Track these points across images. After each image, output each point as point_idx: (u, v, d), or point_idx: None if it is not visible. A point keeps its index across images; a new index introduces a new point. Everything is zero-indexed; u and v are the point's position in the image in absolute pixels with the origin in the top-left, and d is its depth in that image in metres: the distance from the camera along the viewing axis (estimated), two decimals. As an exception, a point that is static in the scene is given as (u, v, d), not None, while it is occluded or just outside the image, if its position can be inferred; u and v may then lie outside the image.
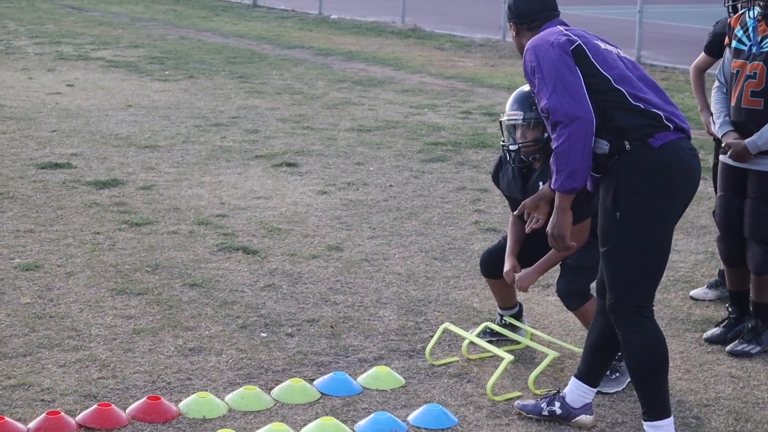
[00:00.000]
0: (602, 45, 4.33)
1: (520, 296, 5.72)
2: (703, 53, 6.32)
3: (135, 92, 12.73)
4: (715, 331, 5.61)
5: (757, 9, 5.36)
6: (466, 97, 13.08)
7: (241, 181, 8.59)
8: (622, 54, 4.40)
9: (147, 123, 10.83)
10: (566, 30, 4.34)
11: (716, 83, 5.64)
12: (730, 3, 5.82)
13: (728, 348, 5.44)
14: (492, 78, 14.64)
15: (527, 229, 4.90)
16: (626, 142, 4.17)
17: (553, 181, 4.23)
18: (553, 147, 4.17)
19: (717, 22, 6.24)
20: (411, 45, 18.45)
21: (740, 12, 5.56)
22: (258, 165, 9.14)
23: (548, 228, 4.35)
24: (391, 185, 8.57)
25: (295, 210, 7.79)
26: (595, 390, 4.60)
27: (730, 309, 5.67)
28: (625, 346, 4.31)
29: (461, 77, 14.73)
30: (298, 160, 9.33)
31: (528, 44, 4.35)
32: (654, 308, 4.35)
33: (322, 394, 4.83)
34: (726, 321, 5.63)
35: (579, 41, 4.25)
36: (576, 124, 4.10)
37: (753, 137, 5.32)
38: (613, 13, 23.42)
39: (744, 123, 5.38)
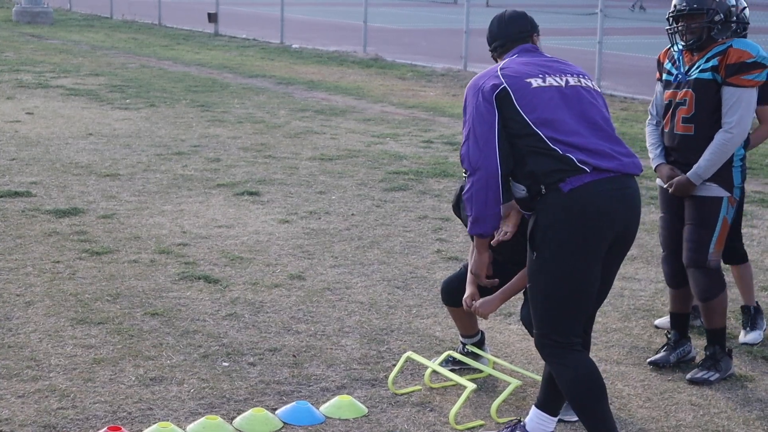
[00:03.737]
0: (536, 82, 4.33)
1: (483, 324, 5.74)
2: None
3: (95, 120, 12.68)
4: (658, 355, 5.66)
5: (681, 43, 5.55)
6: (428, 126, 13.14)
7: (203, 209, 8.57)
8: (573, 83, 4.39)
9: (107, 151, 10.79)
10: (503, 69, 4.38)
11: (649, 117, 5.78)
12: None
13: (688, 376, 5.48)
14: (453, 107, 14.72)
15: (494, 242, 4.88)
16: (542, 186, 4.25)
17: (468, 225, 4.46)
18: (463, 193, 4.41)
19: None
20: (372, 74, 18.52)
21: (667, 47, 5.73)
22: (219, 194, 9.12)
23: (469, 265, 4.56)
24: (353, 214, 8.58)
25: (257, 239, 7.77)
26: (556, 418, 4.61)
27: (669, 334, 5.72)
28: (558, 380, 4.36)
29: (423, 107, 14.80)
30: (259, 189, 9.32)
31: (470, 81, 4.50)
32: (578, 340, 4.32)
33: (284, 423, 4.81)
34: (665, 345, 5.68)
35: (504, 84, 4.30)
36: (478, 174, 4.30)
37: (693, 169, 5.41)
38: (573, 44, 23.65)
39: (677, 148, 5.54)
